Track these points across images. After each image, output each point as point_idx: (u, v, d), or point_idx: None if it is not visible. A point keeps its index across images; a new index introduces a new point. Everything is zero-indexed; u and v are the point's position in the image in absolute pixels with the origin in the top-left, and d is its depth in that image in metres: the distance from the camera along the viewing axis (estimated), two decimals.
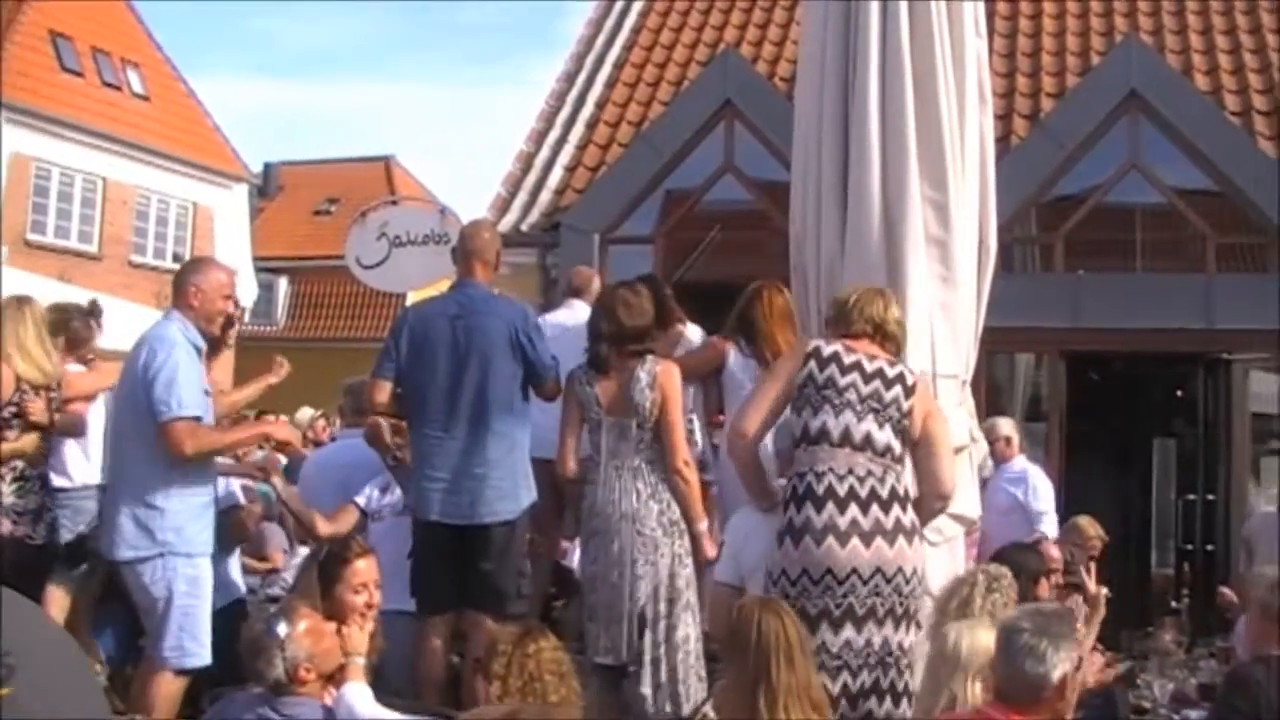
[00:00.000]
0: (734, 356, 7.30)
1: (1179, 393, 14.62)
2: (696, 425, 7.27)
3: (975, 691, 4.60)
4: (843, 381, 5.47)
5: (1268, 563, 6.24)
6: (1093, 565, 7.58)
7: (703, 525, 6.40)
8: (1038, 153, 13.51)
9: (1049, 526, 9.35)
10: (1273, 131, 14.18)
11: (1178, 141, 13.37)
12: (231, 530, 7.05)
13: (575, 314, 7.96)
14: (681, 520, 6.39)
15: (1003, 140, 13.94)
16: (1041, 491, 9.65)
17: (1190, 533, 12.96)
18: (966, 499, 6.22)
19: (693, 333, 7.92)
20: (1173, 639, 7.41)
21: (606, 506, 6.34)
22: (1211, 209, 13.55)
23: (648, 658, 6.26)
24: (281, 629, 4.62)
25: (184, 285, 6.35)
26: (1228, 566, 11.61)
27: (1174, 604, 8.19)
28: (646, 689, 6.19)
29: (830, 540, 5.32)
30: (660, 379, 6.38)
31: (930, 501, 5.62)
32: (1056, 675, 4.27)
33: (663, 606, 6.29)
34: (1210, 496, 12.78)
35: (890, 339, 5.67)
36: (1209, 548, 12.68)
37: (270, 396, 7.95)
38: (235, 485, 7.37)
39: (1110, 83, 13.61)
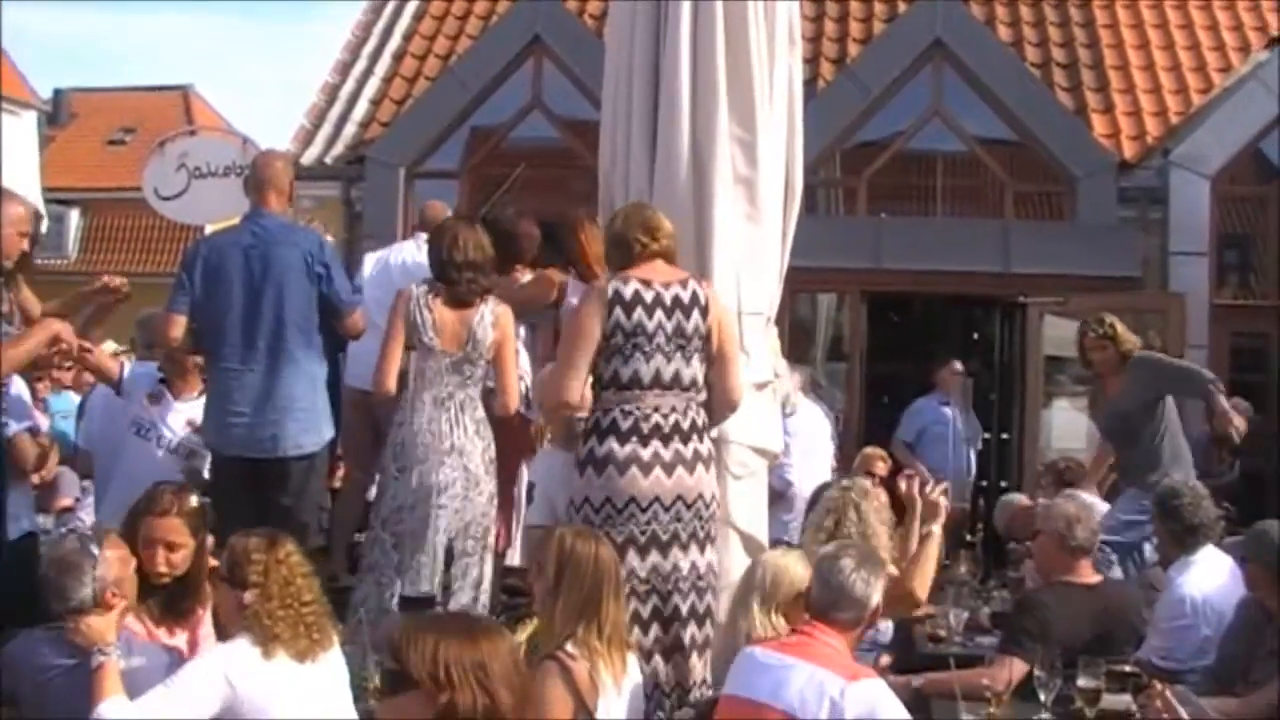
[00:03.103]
0: (574, 289, 7.20)
1: (975, 335, 15.00)
2: (526, 364, 7.25)
3: (779, 623, 4.72)
4: (650, 325, 5.45)
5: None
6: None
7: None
8: (843, 97, 13.71)
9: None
10: (1071, 83, 14.59)
11: (979, 91, 13.67)
12: (12, 459, 6.79)
13: (421, 246, 7.85)
14: (496, 460, 6.41)
15: (809, 84, 14.08)
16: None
17: (985, 470, 13.33)
18: (769, 433, 6.30)
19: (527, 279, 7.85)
20: (967, 571, 7.63)
21: (427, 437, 6.27)
22: (1010, 157, 13.92)
23: (465, 595, 6.28)
24: (94, 547, 4.51)
25: None
26: None
27: (969, 538, 8.39)
28: None
29: (634, 470, 5.37)
30: (501, 319, 6.39)
31: (721, 410, 5.69)
32: (874, 601, 4.59)
33: (470, 544, 6.31)
34: (1005, 435, 13.16)
35: (668, 254, 5.62)
36: (1003, 484, 13.07)
37: None
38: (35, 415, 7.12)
39: (915, 31, 13.87)
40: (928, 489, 6.17)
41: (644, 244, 5.57)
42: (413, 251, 7.89)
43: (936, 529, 6.00)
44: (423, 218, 8.35)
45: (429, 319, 6.32)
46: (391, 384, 6.38)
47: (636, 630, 5.27)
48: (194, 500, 5.15)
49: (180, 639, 4.87)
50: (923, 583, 5.89)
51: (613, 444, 5.40)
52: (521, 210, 8.02)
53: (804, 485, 7.95)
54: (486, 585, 6.45)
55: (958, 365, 11.87)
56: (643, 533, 5.39)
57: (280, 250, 6.56)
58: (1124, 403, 8.35)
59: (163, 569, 4.88)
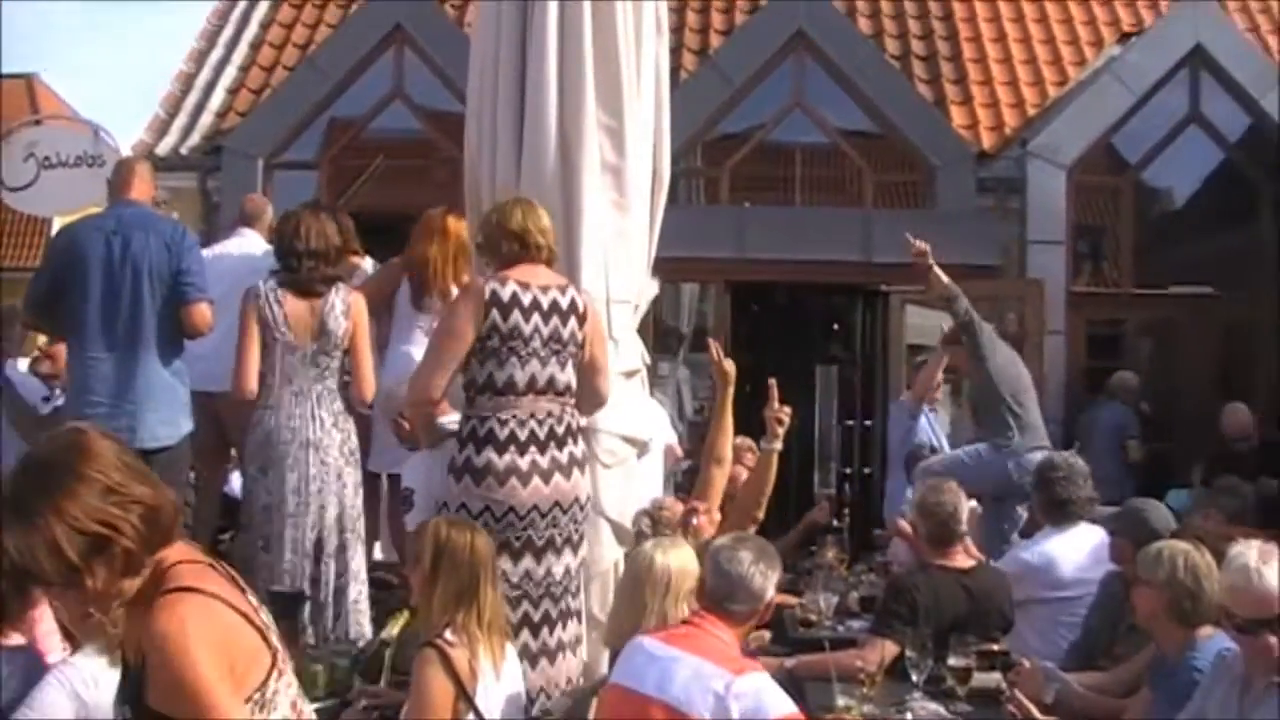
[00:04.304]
0: (404, 291, 7.20)
1: (835, 326, 15.16)
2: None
3: (684, 610, 4.73)
4: (527, 329, 5.39)
5: None
6: None
7: None
8: (706, 88, 13.74)
9: None
10: (930, 76, 14.78)
11: (840, 82, 13.78)
12: None
13: (246, 242, 7.73)
14: (358, 450, 6.40)
15: (672, 74, 14.09)
16: None
17: (849, 456, 13.48)
18: (639, 421, 6.30)
19: (368, 265, 7.78)
20: (835, 556, 7.71)
21: (286, 433, 6.23)
22: (871, 148, 14.05)
23: (331, 587, 6.24)
24: None
25: None
26: (883, 488, 12.16)
27: (835, 523, 8.46)
28: (329, 617, 6.20)
29: (513, 481, 5.33)
30: (352, 307, 6.36)
31: (587, 408, 5.71)
32: (770, 595, 4.56)
33: (348, 536, 6.33)
34: (868, 422, 13.33)
35: (545, 250, 5.56)
36: (866, 470, 13.24)
37: None
38: None
39: (778, 22, 13.94)
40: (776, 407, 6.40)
41: (526, 245, 5.51)
42: (236, 246, 7.79)
43: (777, 445, 6.42)
44: (243, 211, 8.26)
45: (280, 314, 6.27)
46: (253, 384, 6.33)
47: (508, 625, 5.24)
48: None
49: (15, 640, 4.70)
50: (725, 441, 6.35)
51: (491, 454, 5.34)
52: (330, 205, 7.99)
53: None
54: (364, 575, 6.44)
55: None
56: (518, 539, 5.36)
57: (141, 236, 6.46)
58: (971, 381, 8.66)
59: None
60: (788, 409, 6.50)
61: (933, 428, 10.49)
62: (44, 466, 2.77)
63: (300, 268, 6.35)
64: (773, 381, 6.44)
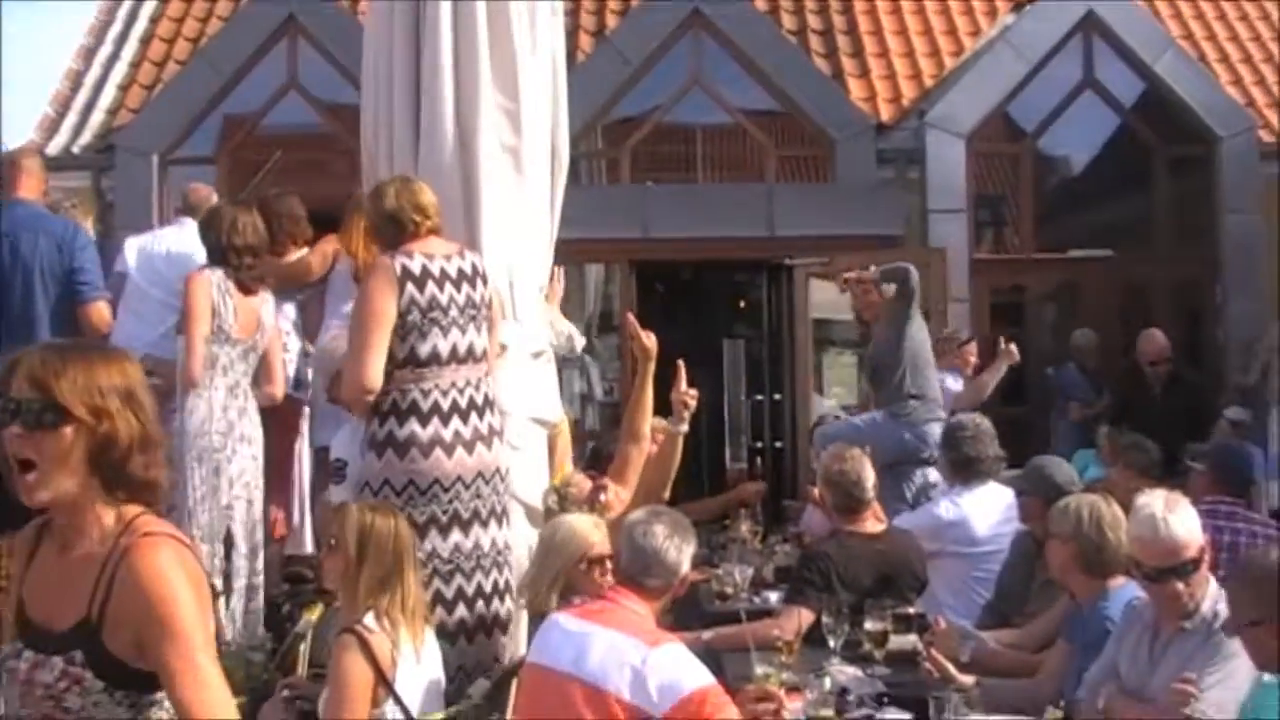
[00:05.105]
0: (343, 264, 7.07)
1: (742, 302, 15.20)
2: (295, 347, 7.12)
3: (595, 576, 4.80)
4: (444, 298, 5.37)
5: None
6: None
7: None
8: (603, 68, 13.67)
9: None
10: (827, 50, 14.83)
11: (738, 59, 13.78)
12: None
13: (186, 232, 7.59)
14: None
15: (569, 56, 14.04)
16: None
17: (760, 430, 13.53)
18: (546, 403, 6.30)
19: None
20: (748, 529, 7.74)
21: (222, 424, 6.20)
22: (771, 124, 14.07)
23: (243, 583, 6.20)
24: None
25: None
26: (795, 461, 12.23)
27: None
28: (239, 609, 6.22)
29: (438, 451, 5.32)
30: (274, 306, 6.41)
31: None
32: (685, 569, 4.57)
33: (261, 533, 6.38)
34: (777, 397, 13.38)
35: (426, 224, 5.51)
36: (778, 444, 13.29)
37: None
38: None
39: (673, 1, 13.89)
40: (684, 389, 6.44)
41: (418, 222, 5.47)
42: (176, 237, 7.66)
43: (683, 427, 6.48)
44: (186, 202, 8.09)
45: (231, 305, 6.21)
46: (200, 373, 6.24)
47: (441, 611, 5.25)
48: None
49: None
50: (644, 419, 6.36)
51: (414, 426, 5.32)
52: (285, 190, 7.86)
53: None
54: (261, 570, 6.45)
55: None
56: (444, 512, 5.35)
57: (30, 238, 6.35)
58: (877, 347, 8.63)
59: None
60: (694, 391, 6.50)
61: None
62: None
63: (240, 265, 6.30)
64: (680, 363, 6.44)
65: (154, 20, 15.45)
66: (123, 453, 2.74)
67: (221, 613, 6.13)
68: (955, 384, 10.38)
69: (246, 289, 6.29)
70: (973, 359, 10.75)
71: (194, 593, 2.71)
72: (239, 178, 13.35)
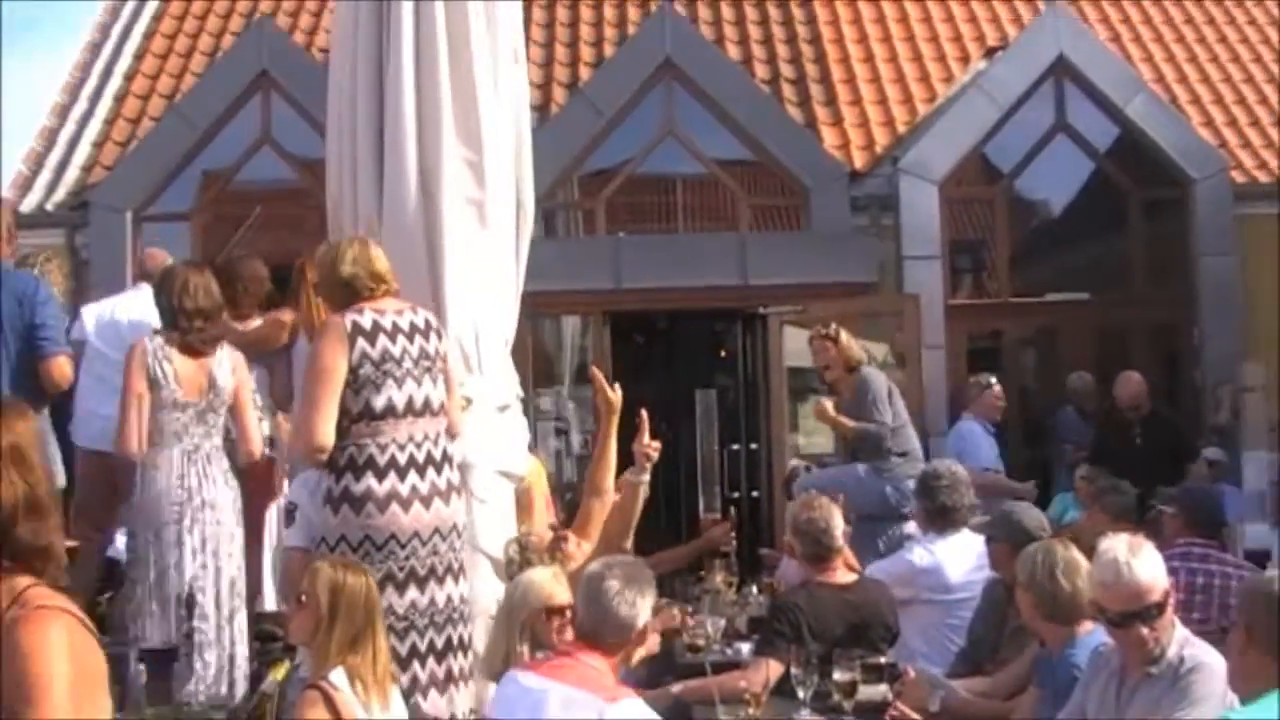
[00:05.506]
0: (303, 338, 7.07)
1: (723, 351, 15.19)
2: (261, 406, 7.09)
3: (557, 631, 4.76)
4: (397, 350, 5.35)
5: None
6: None
7: None
8: (577, 120, 13.70)
9: None
10: (800, 98, 14.88)
11: (712, 109, 13.83)
12: None
13: (143, 298, 7.57)
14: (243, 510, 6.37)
15: (542, 109, 14.12)
16: None
17: (736, 480, 13.49)
18: (513, 456, 6.26)
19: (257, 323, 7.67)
20: (723, 580, 7.68)
21: (180, 493, 6.14)
22: (745, 173, 14.11)
23: (216, 651, 6.15)
24: None
25: None
26: (771, 510, 12.18)
27: (723, 548, 8.43)
28: (228, 679, 6.15)
29: (394, 507, 5.27)
30: (235, 363, 6.32)
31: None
32: (642, 621, 4.48)
33: (236, 600, 6.27)
34: (754, 446, 13.35)
35: (380, 289, 5.49)
36: (754, 494, 13.25)
37: None
38: None
39: (645, 52, 13.97)
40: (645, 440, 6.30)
41: (372, 289, 5.47)
42: (134, 302, 7.64)
43: (645, 477, 6.23)
44: (143, 268, 8.09)
45: (170, 370, 6.17)
46: (135, 443, 6.20)
47: (394, 668, 5.17)
48: None
49: None
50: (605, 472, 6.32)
51: (371, 481, 5.28)
52: (247, 252, 7.86)
53: None
54: (245, 632, 6.36)
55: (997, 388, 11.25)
56: (401, 568, 5.29)
57: None
58: (852, 411, 8.57)
59: None
60: (656, 443, 6.43)
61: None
62: None
63: (190, 328, 6.26)
64: (644, 413, 6.40)
65: (129, 77, 15.48)
66: (5, 517, 2.66)
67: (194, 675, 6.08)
68: (987, 433, 10.45)
69: (196, 351, 6.24)
70: (999, 403, 10.84)
71: (73, 669, 2.65)
72: (214, 234, 13.38)
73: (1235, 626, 3.84)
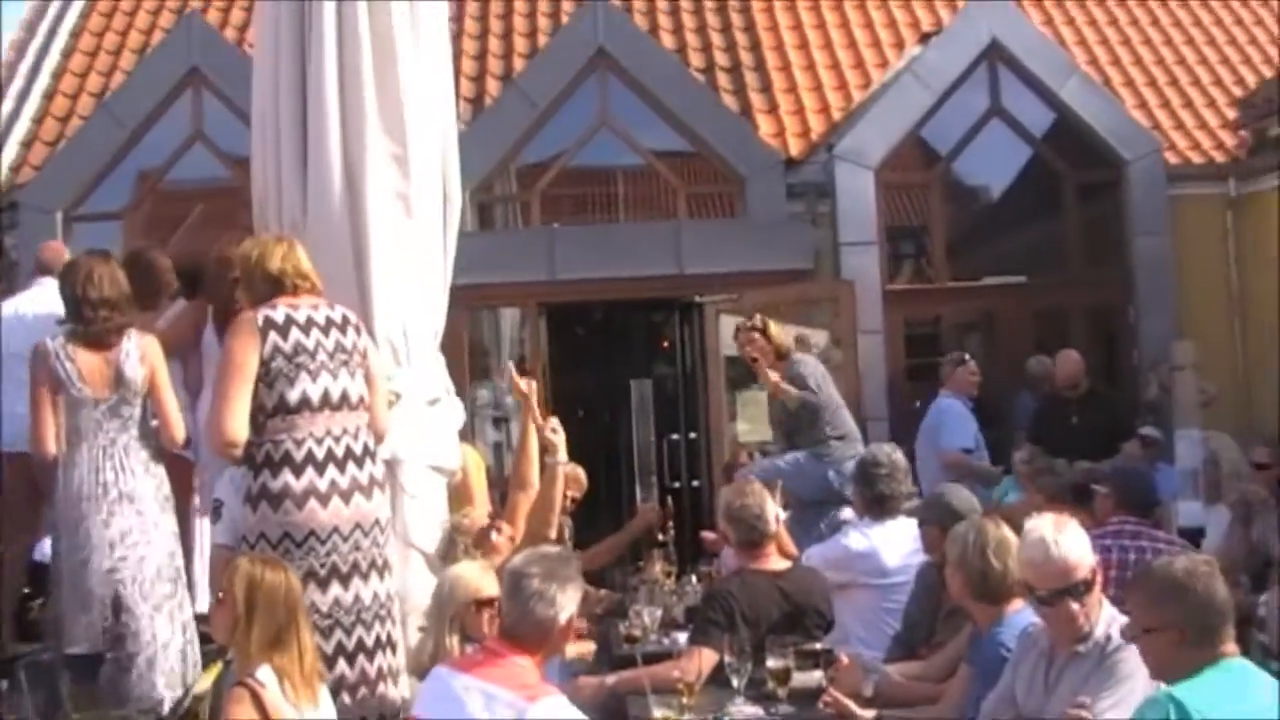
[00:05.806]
0: (210, 326, 7.02)
1: (665, 342, 15.17)
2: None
3: (482, 623, 4.79)
4: (310, 343, 5.31)
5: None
6: None
7: None
8: (511, 112, 13.59)
9: None
10: (735, 86, 14.84)
11: (645, 98, 13.78)
12: None
13: (45, 292, 7.47)
14: (172, 496, 6.25)
15: (476, 101, 14.05)
16: None
17: (676, 469, 13.49)
18: (444, 450, 6.22)
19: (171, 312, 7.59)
20: (661, 569, 7.67)
21: (97, 489, 6.03)
22: (680, 162, 14.07)
23: (157, 642, 6.03)
24: None
25: None
26: (712, 499, 12.16)
27: (660, 537, 8.40)
28: (159, 676, 6.01)
29: (313, 503, 5.22)
30: (147, 352, 6.18)
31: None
32: (564, 617, 4.44)
33: (167, 587, 6.11)
34: (693, 435, 13.33)
35: (303, 287, 5.47)
36: (695, 483, 13.24)
37: None
38: None
39: (578, 42, 13.87)
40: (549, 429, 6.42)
41: (298, 286, 5.45)
42: (37, 298, 7.54)
43: (561, 457, 6.40)
44: (39, 261, 7.97)
45: (73, 369, 6.07)
46: (50, 445, 6.12)
47: (321, 666, 5.11)
48: None
49: None
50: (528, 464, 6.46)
51: (288, 477, 5.23)
52: (151, 244, 7.78)
53: None
54: (192, 626, 6.24)
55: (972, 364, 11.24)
56: (322, 565, 5.25)
57: None
58: (785, 410, 8.55)
59: None
60: (554, 421, 6.51)
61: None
62: None
63: (95, 318, 6.15)
64: (533, 385, 6.52)
65: (56, 75, 15.29)
66: None
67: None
68: (965, 409, 10.53)
69: (100, 344, 6.14)
70: (974, 378, 10.91)
71: None
72: (147, 233, 13.23)
73: (1161, 625, 3.80)
